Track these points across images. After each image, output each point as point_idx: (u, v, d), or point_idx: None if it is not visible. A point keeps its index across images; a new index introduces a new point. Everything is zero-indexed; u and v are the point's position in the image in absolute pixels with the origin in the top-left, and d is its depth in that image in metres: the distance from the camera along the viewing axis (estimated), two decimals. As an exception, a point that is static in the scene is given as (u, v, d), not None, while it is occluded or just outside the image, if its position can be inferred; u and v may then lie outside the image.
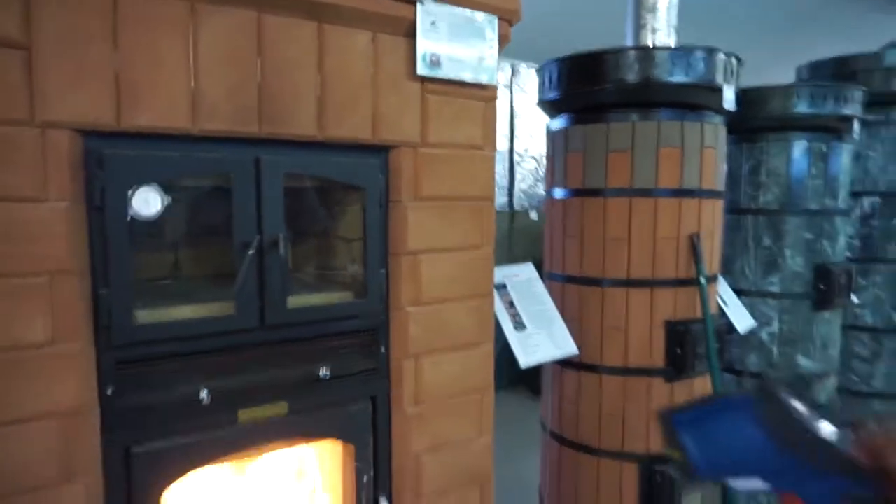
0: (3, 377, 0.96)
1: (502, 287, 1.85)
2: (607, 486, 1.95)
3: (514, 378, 4.99)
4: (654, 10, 1.95)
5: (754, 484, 0.57)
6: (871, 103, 2.95)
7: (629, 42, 2.02)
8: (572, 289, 2.02)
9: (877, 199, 2.98)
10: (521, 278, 1.91)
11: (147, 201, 1.07)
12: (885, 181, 2.96)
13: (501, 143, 6.20)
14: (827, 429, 0.55)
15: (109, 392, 1.08)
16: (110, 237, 1.04)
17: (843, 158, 2.49)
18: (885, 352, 2.99)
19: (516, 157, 6.35)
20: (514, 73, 6.15)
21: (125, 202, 1.05)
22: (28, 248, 0.97)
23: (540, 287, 1.92)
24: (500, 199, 6.39)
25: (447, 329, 1.47)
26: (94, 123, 1.02)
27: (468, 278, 1.49)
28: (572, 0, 4.05)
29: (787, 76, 3.70)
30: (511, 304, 1.83)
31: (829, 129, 2.42)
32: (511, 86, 6.12)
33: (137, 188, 1.06)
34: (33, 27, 0.96)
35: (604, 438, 1.95)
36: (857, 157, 3.02)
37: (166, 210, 1.10)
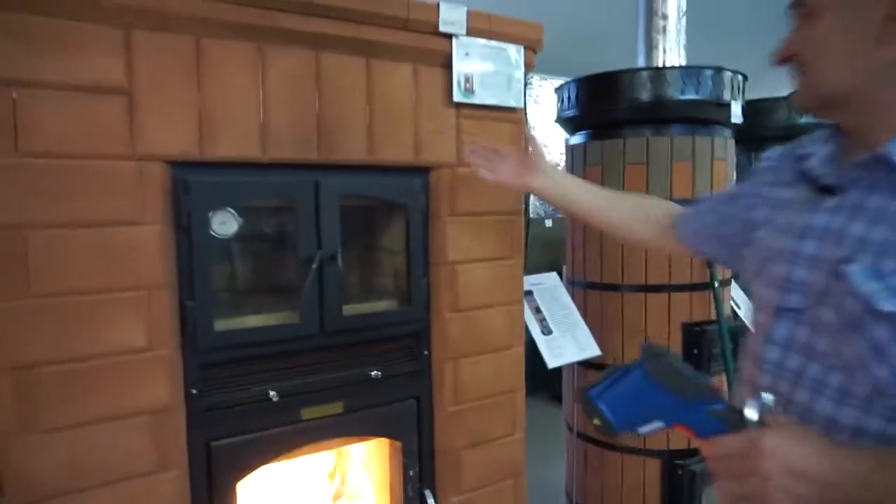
0: (113, 377, 1.11)
1: (529, 294, 1.97)
2: (631, 481, 2.06)
3: (535, 384, 5.10)
4: (664, 31, 2.09)
5: (655, 426, 0.76)
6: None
7: (641, 62, 2.16)
8: (594, 294, 2.15)
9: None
10: (547, 286, 2.04)
11: (224, 222, 1.22)
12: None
13: (514, 154, 6.35)
14: (692, 372, 0.77)
15: (194, 392, 1.22)
16: (195, 255, 1.18)
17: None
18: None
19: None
20: (527, 84, 6.32)
21: (207, 223, 1.19)
22: (130, 266, 1.11)
23: (563, 294, 2.05)
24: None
25: (482, 333, 1.60)
26: (181, 155, 1.16)
27: (500, 286, 1.62)
28: (585, 18, 4.19)
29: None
30: (538, 310, 1.96)
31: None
32: (525, 97, 6.29)
33: (217, 211, 1.20)
34: (133, 75, 1.10)
35: (626, 436, 2.07)
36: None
37: (239, 230, 1.24)
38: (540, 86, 6.18)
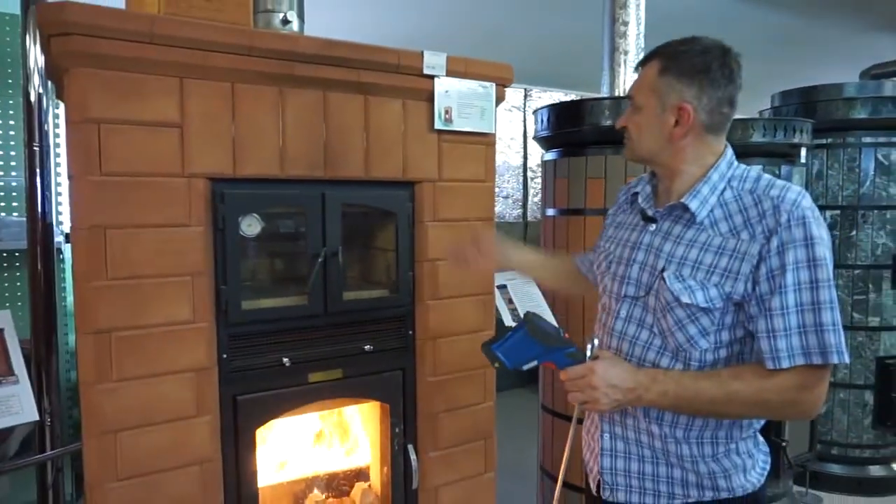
0: (166, 342, 1.46)
1: (503, 287, 2.32)
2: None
3: (523, 377, 5.41)
4: (624, 63, 2.43)
5: (533, 363, 1.16)
6: (831, 129, 3.39)
7: (605, 88, 2.49)
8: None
9: (837, 212, 3.41)
10: (519, 281, 2.38)
11: (250, 225, 1.57)
12: (843, 197, 3.39)
13: (515, 160, 6.68)
14: (554, 330, 1.20)
15: (224, 356, 1.57)
16: (228, 250, 1.54)
17: (794, 180, 2.92)
18: (847, 346, 3.39)
19: (529, 173, 6.82)
20: (526, 96, 6.64)
21: (237, 226, 1.55)
22: (181, 257, 1.47)
23: (534, 288, 2.39)
24: (515, 210, 6.87)
25: (458, 318, 1.94)
26: (219, 173, 1.52)
27: (474, 280, 1.96)
28: (575, 38, 4.52)
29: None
30: (510, 301, 2.30)
31: (782, 155, 2.86)
32: (524, 108, 6.61)
33: (245, 216, 1.56)
34: (185, 113, 1.46)
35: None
36: (820, 176, 3.45)
37: (261, 230, 1.60)
38: (539, 97, 6.51)
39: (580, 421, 1.26)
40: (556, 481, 2.60)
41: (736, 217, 1.11)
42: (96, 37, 1.33)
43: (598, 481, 1.28)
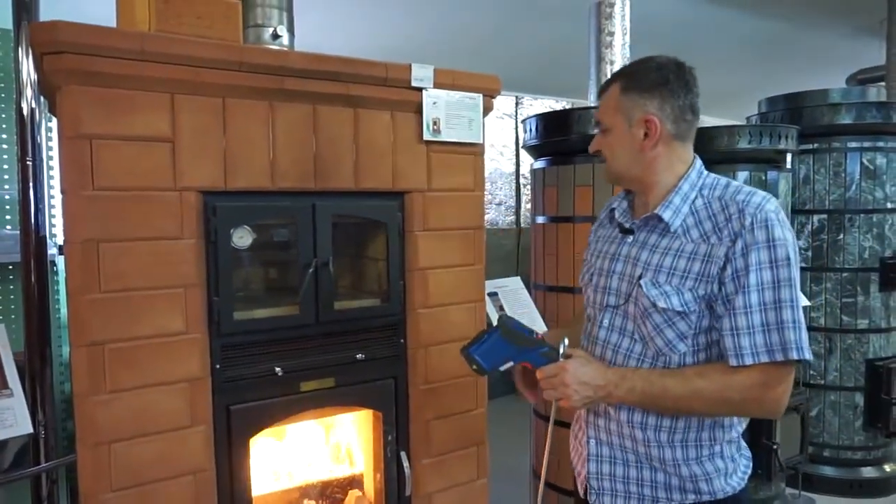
0: (159, 353, 1.48)
1: (494, 294, 2.34)
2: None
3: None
4: (610, 74, 2.46)
5: (509, 365, 1.22)
6: (817, 134, 3.44)
7: (592, 97, 2.53)
8: (551, 295, 2.52)
9: (824, 216, 3.45)
10: (510, 288, 2.41)
11: (242, 237, 1.59)
12: (830, 201, 3.43)
13: (508, 167, 6.73)
14: (528, 331, 1.23)
15: (217, 366, 1.59)
16: (220, 261, 1.56)
17: (780, 184, 2.97)
18: (836, 349, 3.43)
19: (522, 180, 6.86)
20: (518, 103, 6.69)
21: (229, 238, 1.57)
22: (174, 269, 1.49)
23: (525, 295, 2.42)
24: (508, 217, 6.91)
25: (449, 325, 1.96)
26: (211, 186, 1.54)
27: (464, 288, 1.98)
28: (565, 47, 4.56)
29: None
30: (501, 308, 2.33)
31: (768, 161, 2.91)
32: (516, 115, 6.66)
33: (236, 228, 1.58)
34: (176, 128, 1.49)
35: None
36: (807, 181, 3.50)
37: (253, 242, 1.62)
38: (531, 105, 6.55)
39: (557, 422, 1.29)
40: (548, 486, 2.62)
41: (706, 223, 1.17)
42: (88, 55, 1.36)
43: (586, 486, 1.32)
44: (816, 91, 3.58)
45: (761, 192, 1.15)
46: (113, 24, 1.52)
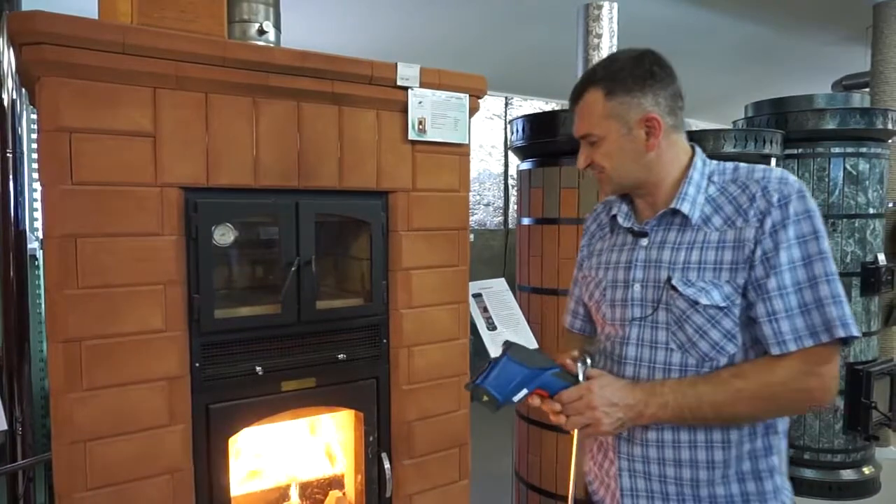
0: (138, 351, 1.46)
1: (478, 296, 2.34)
2: (563, 455, 2.42)
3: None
4: (599, 75, 2.47)
5: (523, 393, 1.08)
6: (802, 139, 3.47)
7: (580, 100, 2.53)
8: (536, 298, 2.52)
9: (808, 221, 3.47)
10: (495, 289, 2.41)
11: (224, 234, 1.58)
12: (813, 206, 3.46)
13: (497, 168, 6.74)
14: (536, 351, 1.13)
15: (197, 365, 1.57)
16: (201, 259, 1.54)
17: (766, 190, 2.99)
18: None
19: (510, 181, 6.87)
20: (507, 104, 6.71)
21: (210, 235, 1.55)
22: (153, 266, 1.47)
23: (509, 296, 2.41)
24: (496, 218, 6.92)
25: (432, 326, 1.95)
26: (192, 182, 1.52)
27: (448, 288, 1.98)
28: (554, 49, 4.58)
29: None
30: (485, 310, 2.32)
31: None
32: (505, 116, 6.66)
33: (218, 225, 1.56)
34: (158, 123, 1.47)
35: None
36: (791, 186, 3.52)
37: (235, 240, 1.61)
38: (520, 106, 6.57)
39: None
40: (530, 488, 2.62)
41: (726, 208, 1.09)
42: (68, 46, 1.34)
43: None
44: (801, 96, 3.61)
45: (777, 168, 1.09)
46: (95, 15, 1.50)
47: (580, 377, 1.10)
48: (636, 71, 1.12)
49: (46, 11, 1.31)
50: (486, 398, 1.09)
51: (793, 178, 1.06)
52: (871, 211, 3.40)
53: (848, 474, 3.44)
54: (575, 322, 1.41)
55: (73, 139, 1.38)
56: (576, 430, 1.10)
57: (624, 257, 1.20)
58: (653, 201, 1.18)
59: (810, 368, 1.01)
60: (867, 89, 4.40)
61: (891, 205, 3.88)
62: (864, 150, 3.38)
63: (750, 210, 1.06)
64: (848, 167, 3.39)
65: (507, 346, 1.13)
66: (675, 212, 1.13)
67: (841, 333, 0.99)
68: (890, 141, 3.55)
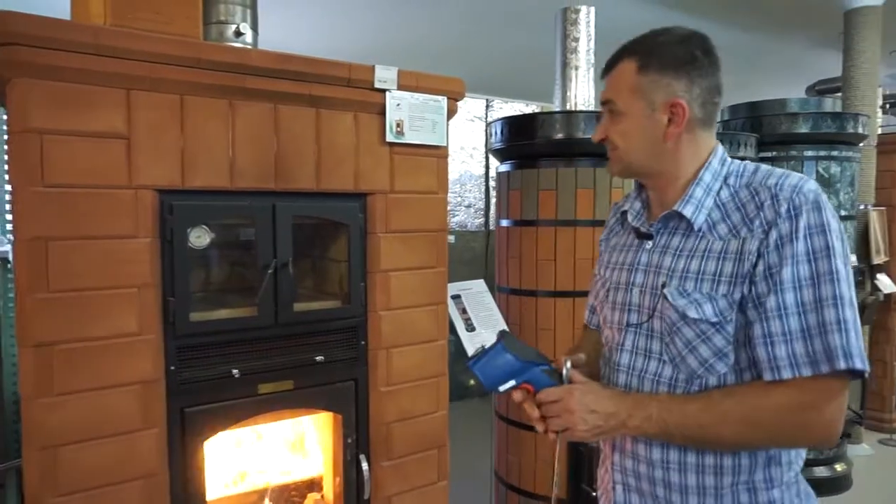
0: (111, 354, 1.45)
1: (457, 297, 2.35)
2: (542, 456, 2.44)
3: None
4: (576, 78, 2.50)
5: (510, 384, 1.06)
6: (776, 142, 3.53)
7: (557, 102, 2.56)
8: (514, 299, 2.53)
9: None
10: (473, 291, 2.42)
11: (199, 236, 1.57)
12: (787, 208, 3.52)
13: (478, 170, 6.75)
14: (528, 346, 1.10)
15: (172, 368, 1.56)
16: (176, 261, 1.53)
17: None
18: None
19: (491, 183, 6.89)
20: (488, 106, 6.72)
21: (185, 237, 1.54)
22: (127, 268, 1.46)
23: (488, 298, 2.43)
24: (477, 220, 6.93)
25: (411, 328, 1.96)
26: (167, 185, 1.51)
27: (426, 290, 1.98)
28: (534, 52, 4.60)
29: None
30: (464, 311, 2.33)
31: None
32: (486, 118, 6.68)
33: (194, 228, 1.55)
34: (132, 125, 1.45)
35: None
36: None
37: (211, 242, 1.60)
38: (501, 108, 6.59)
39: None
40: (509, 488, 2.63)
41: (734, 215, 0.99)
42: (39, 47, 1.32)
43: None
44: (776, 100, 3.68)
45: (797, 174, 0.98)
46: (68, 15, 1.48)
47: (564, 378, 1.07)
48: (677, 51, 1.02)
49: (17, 12, 1.29)
50: (472, 381, 1.09)
51: (811, 185, 0.96)
52: (843, 213, 3.46)
53: (821, 471, 3.50)
54: (592, 318, 1.34)
55: (44, 141, 1.37)
56: (555, 436, 1.06)
57: (629, 259, 1.13)
58: (662, 198, 1.09)
59: (812, 401, 0.91)
60: (840, 94, 4.49)
61: (862, 207, 3.96)
62: (835, 153, 3.45)
63: (756, 220, 0.96)
64: (820, 170, 3.45)
65: (502, 335, 1.10)
66: (679, 215, 1.04)
67: (842, 366, 0.88)
68: (860, 144, 3.63)
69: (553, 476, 1.23)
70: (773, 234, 0.94)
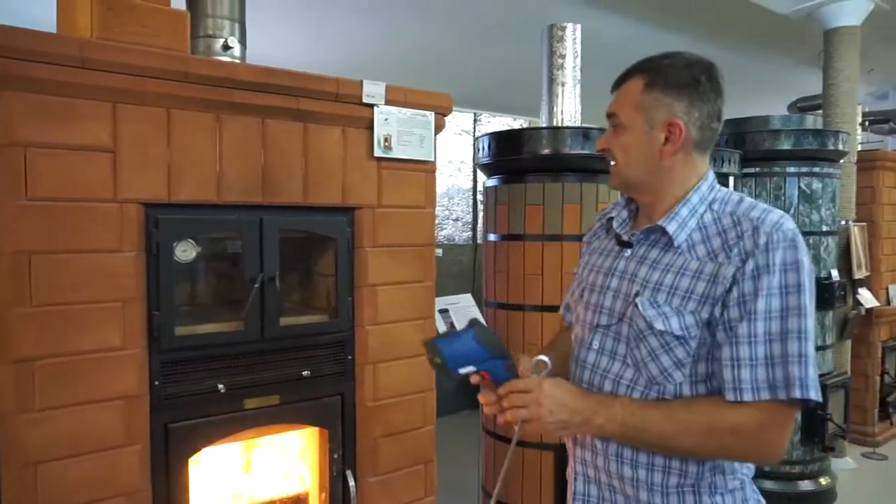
0: (94, 370, 1.43)
1: (445, 311, 2.35)
2: (530, 470, 2.43)
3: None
4: (562, 94, 2.52)
5: (469, 369, 1.09)
6: (759, 159, 3.58)
7: (543, 118, 2.58)
8: (502, 313, 2.53)
9: (765, 238, 3.58)
10: (461, 305, 2.42)
11: (185, 250, 1.56)
12: (770, 223, 3.57)
13: (466, 183, 6.77)
14: (498, 339, 1.12)
15: (156, 383, 1.54)
16: (162, 275, 1.52)
17: (724, 207, 3.07)
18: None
19: (479, 196, 6.91)
20: (476, 121, 6.77)
21: (171, 251, 1.53)
22: (111, 282, 1.44)
23: (475, 312, 2.43)
24: (465, 233, 6.94)
25: (398, 342, 1.95)
26: (153, 198, 1.50)
27: (413, 304, 1.98)
28: (522, 67, 4.64)
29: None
30: (451, 325, 2.33)
31: (712, 184, 3.00)
32: (474, 132, 6.72)
33: (179, 241, 1.54)
34: (117, 138, 1.45)
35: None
36: (749, 204, 3.62)
37: (197, 256, 1.59)
38: (489, 122, 6.63)
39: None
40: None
41: (714, 240, 1.05)
42: (24, 60, 1.31)
43: None
44: (759, 117, 3.73)
45: (778, 211, 1.04)
46: (54, 28, 1.48)
47: (518, 372, 1.09)
48: (682, 73, 1.08)
49: (2, 24, 1.29)
50: (437, 360, 1.11)
51: (790, 224, 1.02)
52: (825, 228, 3.51)
53: (806, 485, 3.52)
54: (567, 315, 1.38)
55: (28, 154, 1.36)
56: (517, 427, 1.09)
57: (607, 263, 1.19)
58: (649, 212, 1.15)
59: (764, 422, 0.99)
60: (820, 111, 4.57)
61: (843, 223, 4.02)
62: (817, 169, 3.50)
63: (735, 248, 1.02)
64: (802, 186, 3.50)
65: (474, 322, 1.13)
66: (662, 230, 1.10)
67: (797, 395, 0.96)
68: (841, 161, 3.69)
69: (500, 474, 1.25)
70: (750, 264, 1.00)
